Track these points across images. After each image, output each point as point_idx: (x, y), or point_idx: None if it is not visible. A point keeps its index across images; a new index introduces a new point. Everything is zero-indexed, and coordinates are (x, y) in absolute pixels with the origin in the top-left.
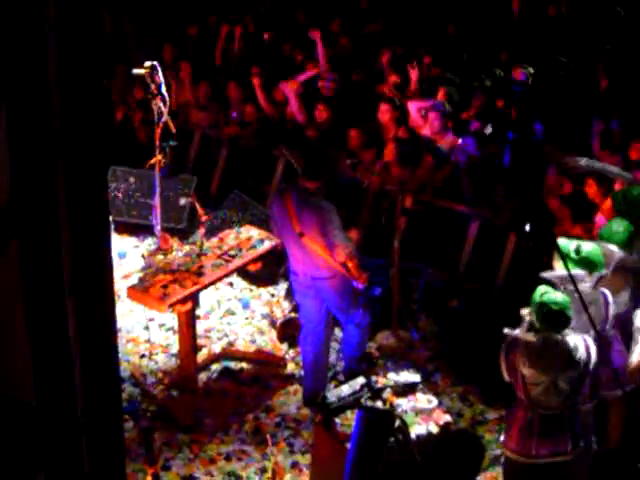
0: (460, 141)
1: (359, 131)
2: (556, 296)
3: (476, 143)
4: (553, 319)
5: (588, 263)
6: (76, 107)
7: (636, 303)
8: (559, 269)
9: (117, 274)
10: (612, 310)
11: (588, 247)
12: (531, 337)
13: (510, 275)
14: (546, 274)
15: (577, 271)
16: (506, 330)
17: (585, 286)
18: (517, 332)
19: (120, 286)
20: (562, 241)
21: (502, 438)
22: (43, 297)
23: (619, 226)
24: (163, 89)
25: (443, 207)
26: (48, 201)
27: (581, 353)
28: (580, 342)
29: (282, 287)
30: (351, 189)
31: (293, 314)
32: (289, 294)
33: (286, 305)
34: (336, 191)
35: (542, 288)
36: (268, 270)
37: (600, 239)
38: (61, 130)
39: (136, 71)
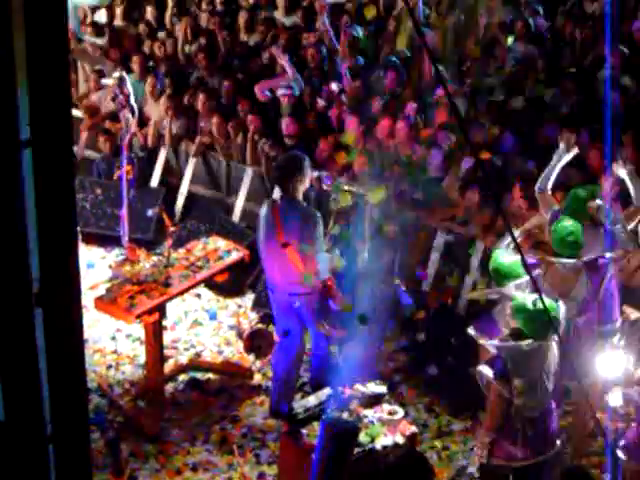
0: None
1: (327, 142)
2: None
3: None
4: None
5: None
6: (44, 112)
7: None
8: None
9: (84, 285)
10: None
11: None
12: (517, 344)
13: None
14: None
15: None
16: (487, 342)
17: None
18: (500, 343)
19: (87, 297)
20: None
21: (475, 449)
22: (10, 308)
23: (573, 226)
24: (131, 100)
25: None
26: (15, 210)
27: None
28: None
29: (249, 298)
30: (318, 201)
31: (260, 325)
32: (256, 305)
33: (253, 316)
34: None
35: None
36: (235, 281)
37: (555, 235)
38: (29, 138)
39: (104, 81)
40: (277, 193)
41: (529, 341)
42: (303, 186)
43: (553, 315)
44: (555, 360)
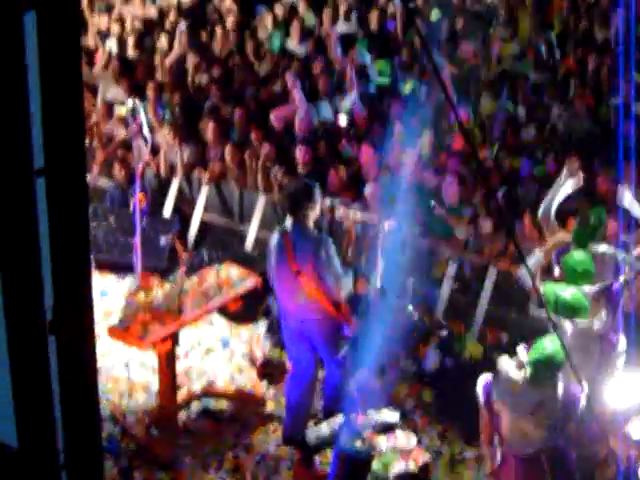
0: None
1: (339, 172)
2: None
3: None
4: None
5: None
6: (58, 141)
7: None
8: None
9: (98, 312)
10: None
11: (567, 295)
12: (516, 376)
13: (489, 314)
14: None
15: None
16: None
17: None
18: (507, 364)
19: (101, 325)
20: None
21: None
22: (24, 336)
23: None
24: (145, 129)
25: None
26: (29, 238)
27: (559, 399)
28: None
29: (262, 326)
30: (330, 230)
31: (273, 353)
32: (269, 333)
33: (266, 344)
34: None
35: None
36: (248, 309)
37: (567, 267)
38: (43, 167)
39: (117, 110)
40: (288, 221)
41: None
42: (314, 214)
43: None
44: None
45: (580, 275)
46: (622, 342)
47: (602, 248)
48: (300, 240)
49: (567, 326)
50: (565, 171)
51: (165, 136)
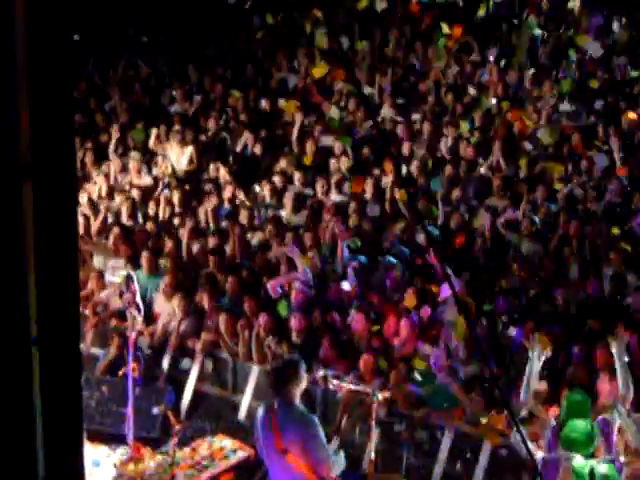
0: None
1: (332, 341)
2: None
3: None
4: None
5: None
6: (51, 311)
7: None
8: None
9: None
10: None
11: (602, 469)
12: None
13: None
14: None
15: None
16: None
17: None
18: None
19: None
20: (579, 461)
21: None
22: None
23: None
24: (138, 298)
25: (418, 417)
26: (22, 406)
27: None
28: None
29: None
30: (324, 399)
31: None
32: None
33: None
34: (308, 402)
35: None
36: None
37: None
38: (37, 337)
39: (112, 279)
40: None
41: None
42: (299, 390)
43: None
44: None
45: (583, 442)
46: None
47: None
48: (286, 419)
49: None
50: (536, 348)
51: (163, 305)
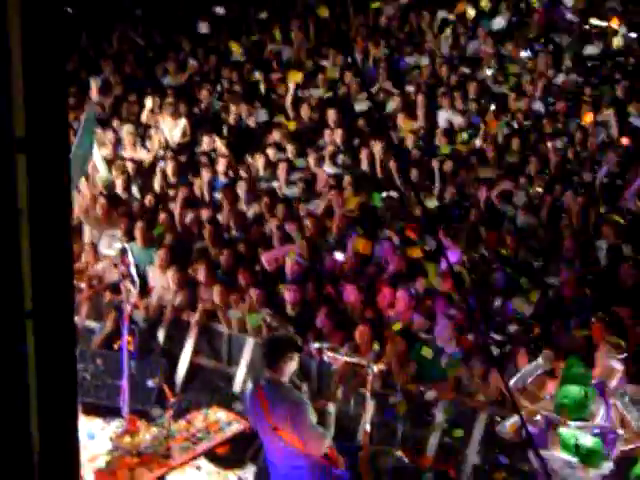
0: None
1: (329, 312)
2: None
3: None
4: None
5: (588, 457)
6: (46, 283)
7: None
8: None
9: (84, 456)
10: None
11: (588, 442)
12: None
13: (481, 457)
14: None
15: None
16: None
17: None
18: None
19: (87, 468)
20: (564, 431)
21: None
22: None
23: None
24: (132, 270)
25: (413, 390)
26: (17, 381)
27: None
28: None
29: (250, 470)
30: (319, 371)
31: None
32: (257, 478)
33: None
34: (304, 372)
35: None
36: (236, 453)
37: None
38: (31, 309)
39: (107, 252)
40: (264, 373)
41: None
42: (290, 368)
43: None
44: None
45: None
46: None
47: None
48: (274, 398)
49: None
50: (540, 360)
51: (157, 278)
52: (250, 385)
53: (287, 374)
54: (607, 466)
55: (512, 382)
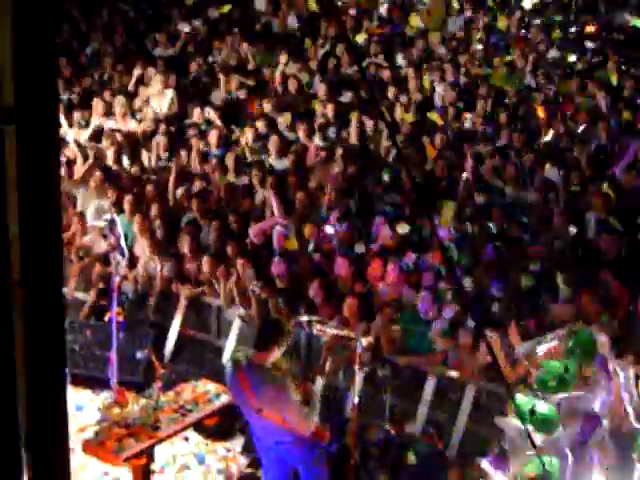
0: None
1: (320, 283)
2: None
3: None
4: None
5: (543, 424)
6: (35, 253)
7: None
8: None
9: (73, 427)
10: None
11: (544, 408)
12: None
13: (467, 431)
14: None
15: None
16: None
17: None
18: None
19: (75, 439)
20: (520, 398)
21: None
22: (0, 450)
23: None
24: (122, 242)
25: (401, 363)
26: (6, 356)
27: None
28: None
29: (238, 442)
30: (308, 342)
31: (249, 469)
32: (245, 449)
33: (242, 460)
34: (293, 345)
35: None
36: (224, 425)
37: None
38: (20, 280)
39: (95, 223)
40: (243, 352)
41: None
42: (275, 354)
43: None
44: None
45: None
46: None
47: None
48: (258, 380)
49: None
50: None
51: (144, 249)
52: (229, 365)
53: (271, 359)
54: (559, 431)
55: (521, 349)
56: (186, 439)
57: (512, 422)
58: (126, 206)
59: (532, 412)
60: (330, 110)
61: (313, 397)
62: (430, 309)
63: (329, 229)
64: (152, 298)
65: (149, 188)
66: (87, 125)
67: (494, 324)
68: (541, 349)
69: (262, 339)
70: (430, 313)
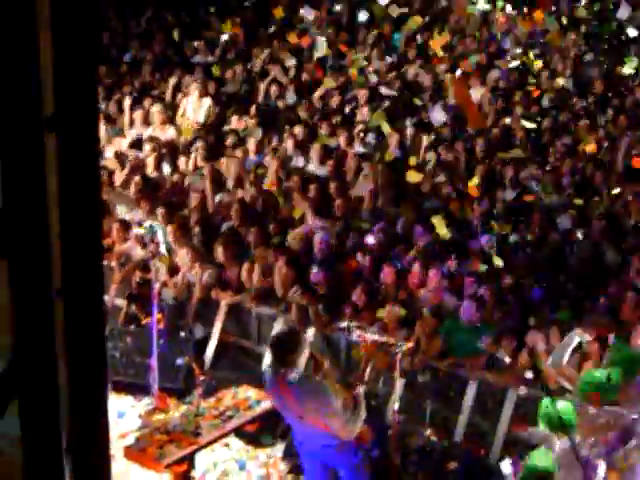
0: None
1: (364, 289)
2: None
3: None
4: None
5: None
6: (75, 261)
7: None
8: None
9: (114, 434)
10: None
11: (562, 406)
12: None
13: (508, 438)
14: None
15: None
16: None
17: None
18: None
19: (117, 446)
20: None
21: None
22: (43, 457)
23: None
24: (162, 248)
25: (442, 369)
26: (47, 360)
27: None
28: None
29: (279, 448)
30: (348, 347)
31: (290, 476)
32: (286, 455)
33: (283, 467)
34: (332, 352)
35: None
36: (265, 431)
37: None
38: (61, 289)
39: (136, 230)
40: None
41: None
42: (303, 357)
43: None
44: None
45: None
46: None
47: None
48: (298, 391)
49: (555, 442)
50: (579, 331)
51: (184, 257)
52: (268, 373)
53: (300, 364)
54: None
55: (549, 362)
56: (227, 445)
57: (535, 429)
58: (161, 214)
59: (548, 415)
60: (369, 116)
61: (359, 403)
62: (472, 316)
63: (370, 239)
64: (192, 305)
65: (187, 196)
66: (122, 134)
67: (535, 329)
68: (565, 359)
69: (279, 355)
70: (472, 319)
